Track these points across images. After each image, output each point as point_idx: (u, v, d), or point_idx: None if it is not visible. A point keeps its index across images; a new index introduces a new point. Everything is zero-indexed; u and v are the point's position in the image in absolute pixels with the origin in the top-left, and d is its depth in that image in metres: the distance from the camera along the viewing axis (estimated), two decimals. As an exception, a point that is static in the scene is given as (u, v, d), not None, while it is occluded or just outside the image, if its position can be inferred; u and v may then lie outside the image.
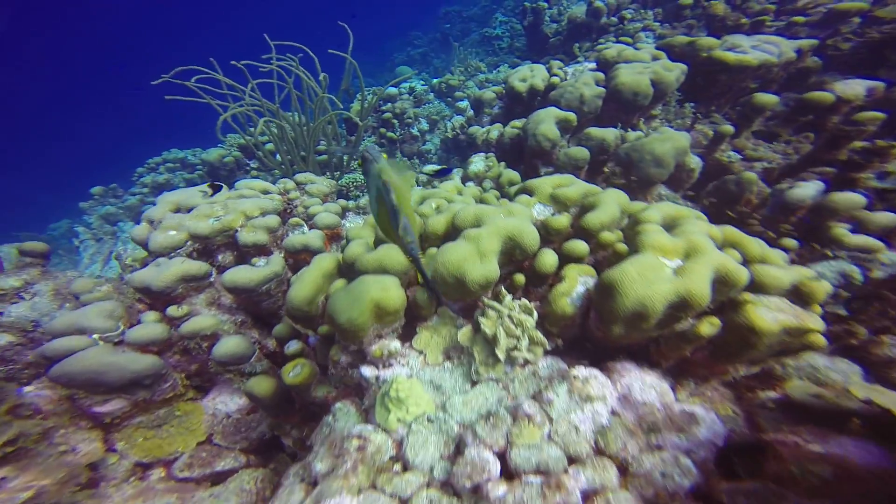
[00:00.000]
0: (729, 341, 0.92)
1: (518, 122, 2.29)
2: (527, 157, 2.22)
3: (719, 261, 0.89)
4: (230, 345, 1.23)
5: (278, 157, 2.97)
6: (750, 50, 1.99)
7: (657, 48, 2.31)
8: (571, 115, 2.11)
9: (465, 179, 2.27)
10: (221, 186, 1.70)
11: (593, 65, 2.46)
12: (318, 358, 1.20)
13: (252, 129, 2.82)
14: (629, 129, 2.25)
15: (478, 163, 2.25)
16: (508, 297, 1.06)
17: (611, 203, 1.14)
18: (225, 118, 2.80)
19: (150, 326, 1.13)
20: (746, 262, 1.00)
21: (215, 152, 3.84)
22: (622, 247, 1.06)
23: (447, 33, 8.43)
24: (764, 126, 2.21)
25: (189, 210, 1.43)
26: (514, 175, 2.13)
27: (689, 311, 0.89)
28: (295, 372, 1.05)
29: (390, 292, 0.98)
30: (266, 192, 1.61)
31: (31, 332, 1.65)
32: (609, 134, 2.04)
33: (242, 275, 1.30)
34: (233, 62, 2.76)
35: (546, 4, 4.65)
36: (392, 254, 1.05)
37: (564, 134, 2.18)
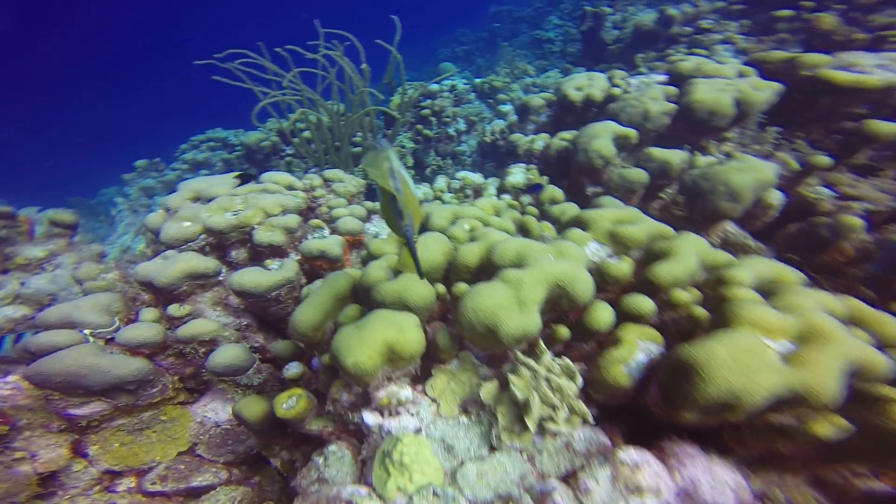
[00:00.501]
0: (859, 445, 0.69)
1: (567, 134, 2.07)
2: (573, 174, 1.99)
3: (852, 350, 0.66)
4: (227, 355, 1.11)
5: (313, 145, 2.89)
6: (874, 69, 1.65)
7: (746, 63, 2.00)
8: (632, 132, 1.86)
9: (501, 190, 2.07)
10: (251, 178, 1.61)
11: (663, 77, 2.19)
12: (319, 385, 1.06)
13: (291, 115, 2.76)
14: (697, 153, 1.97)
15: (517, 174, 2.05)
16: (548, 355, 0.86)
17: (688, 253, 0.91)
18: (263, 105, 2.76)
19: (144, 327, 1.04)
20: (882, 346, 0.75)
21: (254, 135, 3.85)
22: (700, 312, 0.84)
23: (495, 32, 8.19)
24: (866, 160, 1.86)
25: (209, 200, 1.34)
26: (556, 192, 1.91)
27: (802, 409, 0.66)
28: (289, 405, 0.92)
29: (408, 335, 0.82)
30: (291, 188, 1.50)
31: (47, 307, 1.63)
32: (674, 156, 1.78)
33: (251, 278, 1.19)
34: (277, 49, 2.70)
35: (610, 10, 4.33)
36: (416, 286, 0.88)
37: (620, 152, 1.94)
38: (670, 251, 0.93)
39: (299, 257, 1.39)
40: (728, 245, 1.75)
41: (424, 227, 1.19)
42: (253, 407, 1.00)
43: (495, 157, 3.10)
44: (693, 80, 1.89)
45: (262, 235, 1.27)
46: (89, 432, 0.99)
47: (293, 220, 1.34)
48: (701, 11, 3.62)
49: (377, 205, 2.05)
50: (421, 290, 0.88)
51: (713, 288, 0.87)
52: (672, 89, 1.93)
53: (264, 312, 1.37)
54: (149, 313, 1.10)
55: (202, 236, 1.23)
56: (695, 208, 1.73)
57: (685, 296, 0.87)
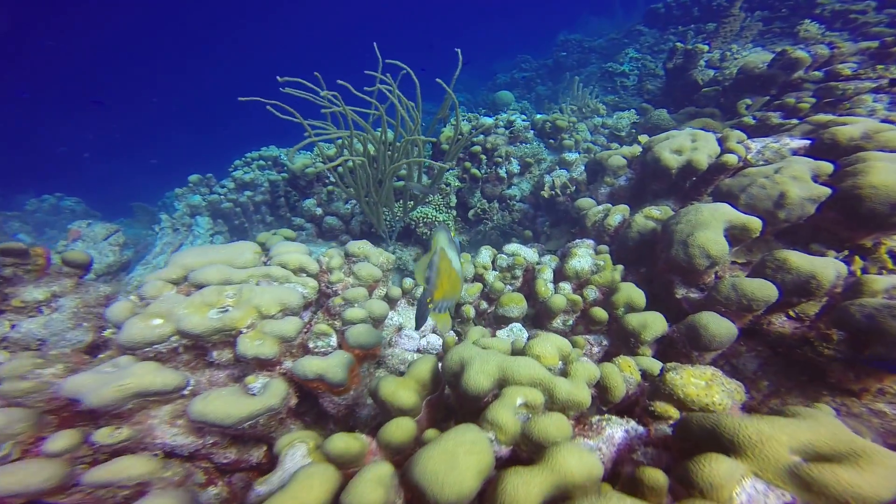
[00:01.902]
0: None
1: (656, 211, 1.57)
2: (660, 268, 1.48)
3: None
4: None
5: (354, 175, 2.67)
6: None
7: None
8: (754, 223, 1.33)
9: (558, 276, 1.62)
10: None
11: (800, 143, 1.61)
12: None
13: (338, 143, 2.57)
14: (856, 258, 1.37)
15: (583, 258, 1.59)
16: None
17: None
18: (300, 146, 2.62)
19: (31, 469, 0.75)
20: None
21: (300, 161, 3.79)
22: None
23: (561, 62, 7.80)
24: None
25: (199, 287, 1.07)
26: (635, 295, 1.42)
27: None
28: None
29: None
30: (302, 271, 1.20)
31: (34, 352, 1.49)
32: (825, 270, 1.21)
33: (217, 408, 0.88)
34: (340, 81, 2.53)
35: (707, 48, 3.74)
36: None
37: (732, 245, 1.41)
38: None
39: (288, 375, 1.06)
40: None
41: (457, 387, 0.80)
42: None
43: (550, 213, 2.65)
44: (866, 156, 1.32)
45: (248, 346, 0.97)
46: None
47: (292, 326, 1.02)
48: (841, 54, 2.91)
49: (408, 282, 1.69)
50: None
51: None
52: (825, 166, 1.37)
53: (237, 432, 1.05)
54: (61, 440, 0.82)
55: (174, 338, 0.96)
56: (859, 353, 1.14)
57: None
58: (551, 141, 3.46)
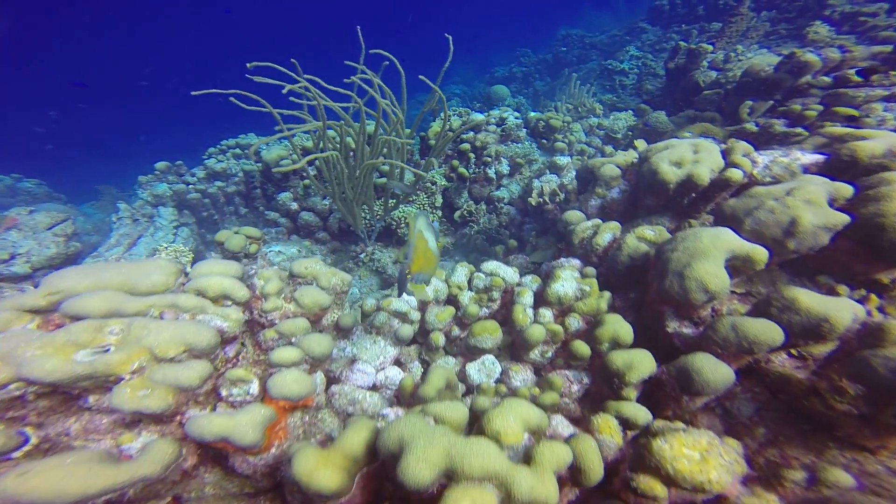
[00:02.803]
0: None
1: (650, 232, 1.39)
2: (651, 297, 1.31)
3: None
4: None
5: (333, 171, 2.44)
6: None
7: None
8: (760, 253, 1.16)
9: (539, 300, 1.44)
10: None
11: (812, 157, 1.44)
12: None
13: (315, 136, 2.33)
14: (872, 296, 1.21)
15: (567, 281, 1.41)
16: None
17: None
18: (271, 140, 2.37)
19: None
20: None
21: (275, 151, 3.54)
22: None
23: (561, 57, 7.54)
24: None
25: (76, 319, 0.85)
26: (622, 331, 1.25)
27: None
28: None
29: None
30: (226, 298, 0.98)
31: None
32: (840, 313, 1.04)
33: (41, 486, 0.67)
34: (307, 76, 2.26)
35: (711, 48, 3.54)
36: None
37: (733, 277, 1.24)
38: None
39: (181, 435, 0.86)
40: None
41: (394, 474, 0.62)
42: None
43: (538, 220, 2.46)
44: (891, 177, 1.15)
45: (127, 398, 0.76)
46: None
47: (194, 373, 0.81)
48: (852, 58, 2.74)
49: (361, 312, 1.46)
50: None
51: None
52: (844, 188, 1.19)
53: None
54: None
55: (13, 385, 0.74)
56: (883, 411, 0.99)
57: None
58: (544, 141, 3.25)
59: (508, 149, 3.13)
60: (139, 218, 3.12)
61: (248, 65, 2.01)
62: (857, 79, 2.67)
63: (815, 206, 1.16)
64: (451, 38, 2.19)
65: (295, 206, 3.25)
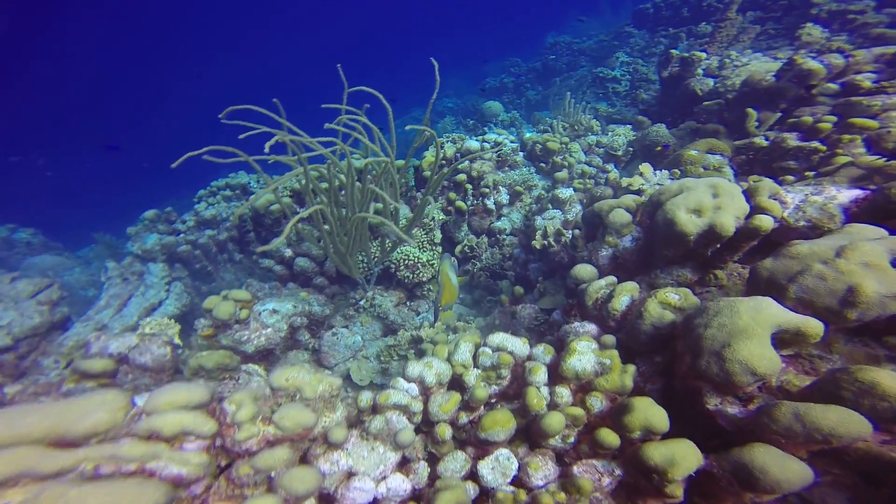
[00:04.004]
0: None
1: (674, 298, 1.23)
2: (685, 373, 1.14)
3: None
4: None
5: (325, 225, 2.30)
6: None
7: None
8: (814, 327, 0.99)
9: (554, 375, 1.27)
10: None
11: (850, 194, 1.27)
12: None
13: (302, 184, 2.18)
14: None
15: (584, 355, 1.24)
16: None
17: None
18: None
19: None
20: None
21: (265, 197, 3.42)
22: None
23: (550, 65, 7.47)
24: None
25: None
26: (655, 418, 1.08)
27: None
28: None
29: None
30: (188, 435, 0.83)
31: None
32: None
33: None
34: (283, 129, 2.13)
35: (704, 55, 3.42)
36: None
37: (779, 350, 1.07)
38: None
39: None
40: None
41: None
42: None
43: (544, 260, 2.30)
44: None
45: None
46: None
47: None
48: (856, 63, 2.59)
49: (367, 398, 1.31)
50: None
51: None
52: (899, 245, 1.03)
53: None
54: None
55: None
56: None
57: None
58: (542, 164, 3.11)
59: (506, 176, 2.99)
60: (129, 276, 2.99)
61: (220, 117, 1.88)
62: (869, 85, 2.52)
63: (876, 270, 1.00)
64: (436, 64, 2.07)
65: (289, 252, 3.11)
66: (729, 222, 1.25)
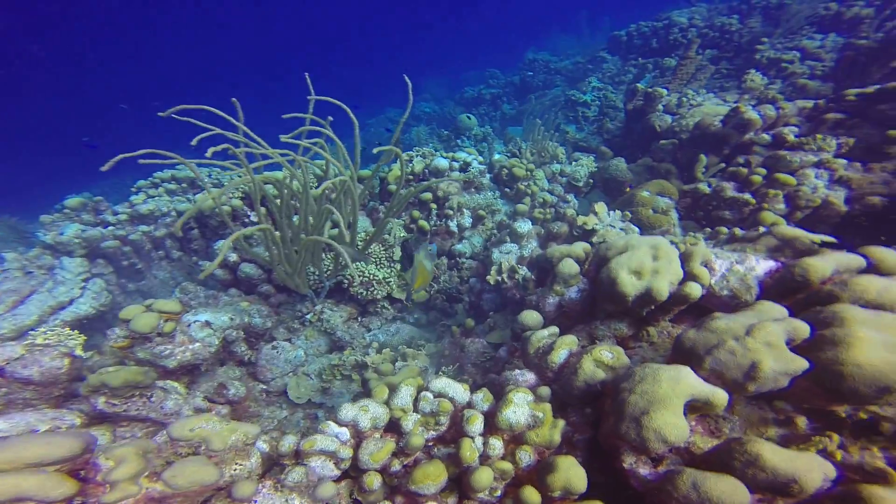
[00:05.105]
0: None
1: (608, 357, 1.28)
2: (608, 432, 1.19)
3: None
4: None
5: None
6: None
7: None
8: (720, 398, 1.08)
9: (490, 425, 1.28)
10: None
11: (765, 266, 1.39)
12: None
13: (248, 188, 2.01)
14: (833, 436, 1.17)
15: (520, 407, 1.26)
16: None
17: None
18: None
19: None
20: None
21: (210, 200, 3.15)
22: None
23: (528, 81, 7.61)
24: None
25: None
26: (575, 479, 1.12)
27: None
28: None
29: None
30: (19, 501, 0.71)
31: None
32: (809, 474, 0.97)
33: None
34: (238, 134, 1.94)
35: (665, 92, 3.62)
36: None
37: (687, 415, 1.15)
38: None
39: None
40: None
41: None
42: None
43: (497, 293, 2.33)
44: (845, 317, 1.10)
45: None
46: None
47: None
48: (784, 116, 2.86)
49: (290, 442, 1.23)
50: None
51: None
52: (801, 328, 1.13)
53: None
54: None
55: None
56: None
57: None
58: (507, 189, 3.15)
59: (471, 199, 2.99)
60: (32, 270, 2.61)
61: (159, 114, 1.69)
62: (792, 139, 2.79)
63: (775, 350, 1.09)
64: (409, 81, 2.01)
65: (234, 256, 2.90)
66: (664, 287, 1.32)
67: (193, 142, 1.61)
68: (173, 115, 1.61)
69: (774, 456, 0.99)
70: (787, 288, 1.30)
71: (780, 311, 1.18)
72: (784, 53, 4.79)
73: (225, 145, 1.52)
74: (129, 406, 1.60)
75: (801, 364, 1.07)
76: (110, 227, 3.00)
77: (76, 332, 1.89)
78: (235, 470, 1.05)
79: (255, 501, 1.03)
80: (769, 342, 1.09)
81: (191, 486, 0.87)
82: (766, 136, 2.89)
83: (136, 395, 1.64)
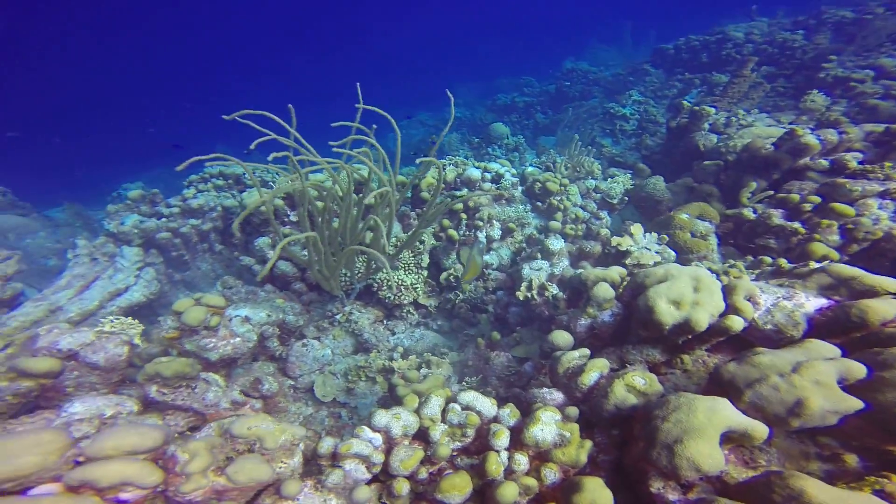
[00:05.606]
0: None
1: (640, 383, 1.27)
2: (637, 456, 1.18)
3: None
4: None
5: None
6: None
7: None
8: (759, 431, 1.04)
9: (516, 441, 1.30)
10: None
11: (815, 304, 1.33)
12: None
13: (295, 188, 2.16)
14: (893, 477, 1.09)
15: (547, 426, 1.27)
16: None
17: None
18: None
19: None
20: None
21: (256, 196, 3.38)
22: None
23: (564, 91, 7.54)
24: None
25: None
26: (602, 499, 1.11)
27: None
28: None
29: None
30: (123, 485, 0.81)
31: None
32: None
33: None
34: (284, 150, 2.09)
35: (713, 111, 3.49)
36: None
37: (722, 445, 1.11)
38: None
39: None
40: None
41: None
42: None
43: (525, 308, 2.33)
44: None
45: None
46: None
47: None
48: (848, 140, 2.68)
49: (329, 444, 1.32)
50: None
51: None
52: (856, 368, 1.08)
53: None
54: None
55: None
56: None
57: None
58: (539, 203, 3.15)
59: (502, 212, 3.01)
60: (98, 257, 2.90)
61: (224, 116, 1.85)
62: (854, 165, 2.61)
63: (824, 388, 1.05)
64: (452, 96, 2.08)
65: (272, 253, 3.08)
66: (704, 319, 1.29)
67: (252, 146, 1.77)
68: (237, 119, 1.77)
69: (821, 493, 0.94)
70: (840, 327, 1.24)
71: (831, 351, 1.13)
72: (854, 72, 4.47)
73: (285, 153, 1.65)
74: (175, 395, 1.70)
75: (855, 404, 1.02)
76: (163, 219, 3.27)
77: (136, 321, 2.07)
78: (281, 468, 1.14)
79: (298, 500, 1.11)
80: (818, 381, 1.04)
81: (248, 482, 0.96)
82: (823, 162, 2.72)
83: (182, 385, 1.73)
